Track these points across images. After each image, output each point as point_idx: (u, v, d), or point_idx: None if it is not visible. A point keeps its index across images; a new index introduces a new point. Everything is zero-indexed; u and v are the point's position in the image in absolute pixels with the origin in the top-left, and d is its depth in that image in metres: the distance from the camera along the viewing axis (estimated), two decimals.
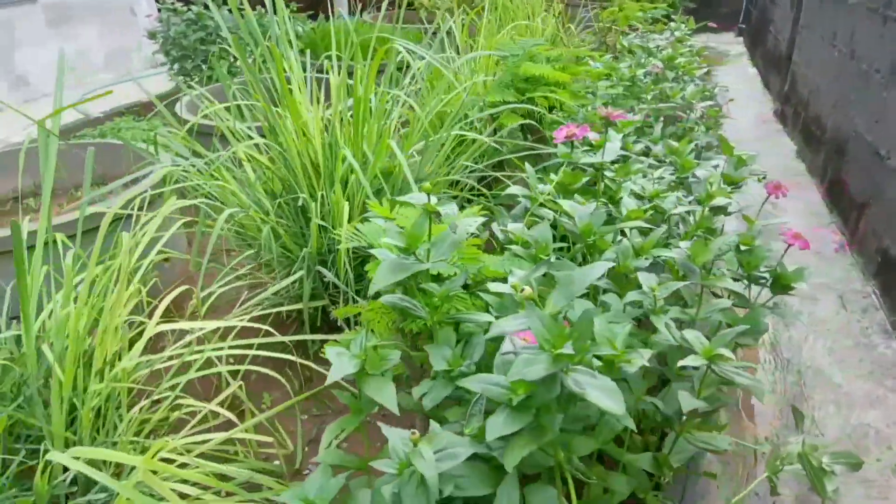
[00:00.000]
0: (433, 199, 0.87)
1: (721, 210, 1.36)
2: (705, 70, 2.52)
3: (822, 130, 3.03)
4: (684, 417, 1.00)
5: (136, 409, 1.18)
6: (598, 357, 0.81)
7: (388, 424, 0.82)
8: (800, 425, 1.14)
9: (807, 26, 3.57)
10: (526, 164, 1.40)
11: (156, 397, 1.24)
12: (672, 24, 3.24)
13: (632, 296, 0.98)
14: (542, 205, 1.28)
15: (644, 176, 1.57)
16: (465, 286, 1.07)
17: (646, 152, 1.98)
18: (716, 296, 1.31)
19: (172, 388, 1.23)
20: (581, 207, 1.04)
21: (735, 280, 1.23)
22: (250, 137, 1.78)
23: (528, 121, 1.77)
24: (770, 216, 2.77)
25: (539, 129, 1.83)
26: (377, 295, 0.94)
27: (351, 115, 1.67)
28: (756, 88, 4.67)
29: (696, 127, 2.22)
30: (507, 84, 1.77)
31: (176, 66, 3.70)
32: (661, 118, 2.17)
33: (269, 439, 1.25)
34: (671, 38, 2.87)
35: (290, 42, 1.78)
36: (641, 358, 0.83)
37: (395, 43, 1.56)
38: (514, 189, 1.30)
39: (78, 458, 0.89)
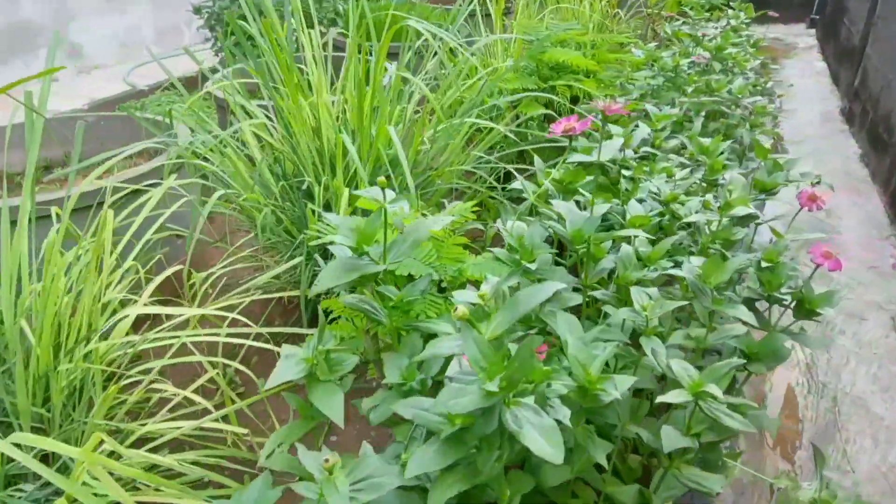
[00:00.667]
0: (389, 194, 0.78)
1: (748, 219, 1.22)
2: (758, 62, 2.32)
3: (890, 132, 2.77)
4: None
5: (110, 390, 1.15)
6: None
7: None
8: (820, 467, 1.01)
9: (884, 17, 3.28)
10: (535, 157, 1.29)
11: (133, 380, 1.21)
12: (730, 11, 3.02)
13: (623, 313, 0.88)
14: (546, 202, 1.17)
15: (670, 176, 1.43)
16: (442, 289, 0.99)
17: (678, 149, 1.84)
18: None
19: (146, 371, 1.20)
20: (575, 210, 0.94)
21: (754, 300, 1.10)
22: (267, 117, 1.73)
23: (549, 111, 1.65)
24: (822, 226, 2.56)
25: None
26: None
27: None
28: (824, 84, 4.35)
29: (740, 124, 2.04)
30: (530, 71, 1.65)
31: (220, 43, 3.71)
32: (703, 113, 2.01)
33: (245, 430, 1.21)
34: (726, 27, 2.66)
35: (307, 17, 1.72)
36: (614, 389, 0.73)
37: (409, 21, 1.47)
38: (518, 184, 1.20)
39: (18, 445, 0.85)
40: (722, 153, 1.43)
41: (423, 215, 1.22)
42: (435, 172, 1.57)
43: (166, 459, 1.04)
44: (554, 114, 1.59)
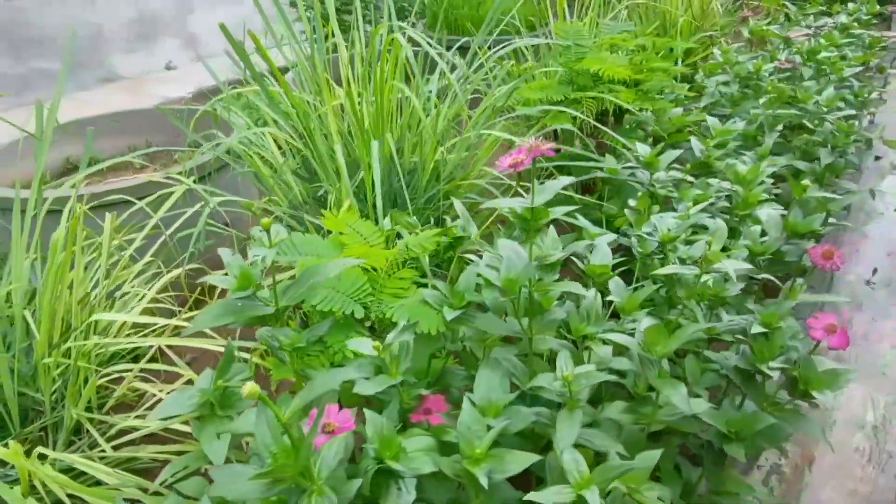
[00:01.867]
0: (278, 230, 0.73)
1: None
2: (860, 69, 1.98)
3: None
4: None
5: (89, 385, 1.21)
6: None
7: None
8: None
9: None
10: (456, 203, 1.17)
11: (117, 376, 1.27)
12: (851, 5, 2.63)
13: (544, 380, 0.77)
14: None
15: (694, 205, 1.26)
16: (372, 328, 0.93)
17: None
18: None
19: (125, 371, 1.25)
20: (516, 255, 0.83)
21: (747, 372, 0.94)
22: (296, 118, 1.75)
23: (584, 123, 1.50)
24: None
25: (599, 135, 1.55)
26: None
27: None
28: None
29: (827, 141, 1.77)
30: (565, 80, 1.51)
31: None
32: (779, 127, 1.76)
33: None
34: (835, 25, 2.32)
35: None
36: (486, 476, 0.65)
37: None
38: (493, 203, 1.10)
39: None
40: (762, 183, 1.23)
41: (399, 236, 1.17)
42: (449, 185, 1.50)
43: (117, 453, 1.08)
44: (598, 127, 1.45)
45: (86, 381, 1.26)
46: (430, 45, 1.55)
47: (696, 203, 1.36)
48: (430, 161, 1.52)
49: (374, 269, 0.96)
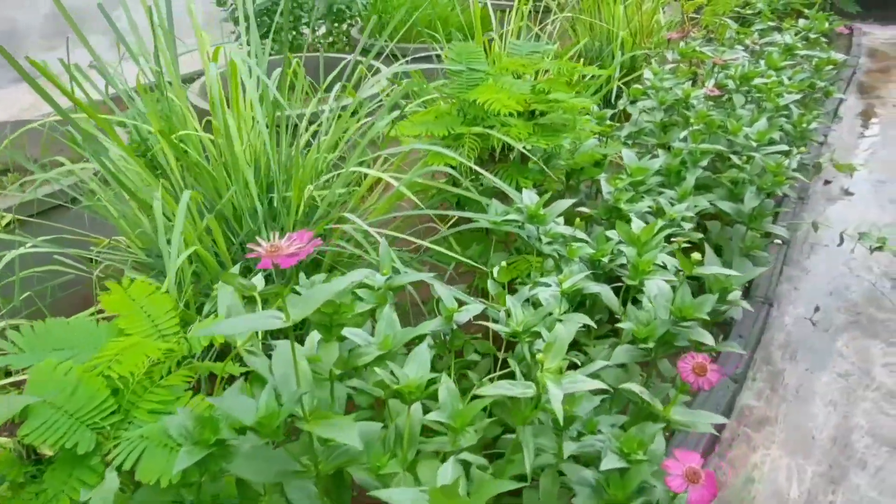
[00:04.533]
0: None
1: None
2: (798, 95, 1.80)
3: None
4: None
5: None
6: None
7: None
8: None
9: None
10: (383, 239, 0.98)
11: None
12: (803, 21, 2.47)
13: None
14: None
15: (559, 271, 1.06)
16: None
17: (653, 211, 1.44)
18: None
19: None
20: (287, 371, 0.63)
21: None
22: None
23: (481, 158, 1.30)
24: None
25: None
26: None
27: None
28: None
29: (752, 182, 1.59)
30: (453, 114, 1.30)
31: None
32: (703, 163, 1.58)
33: None
34: (783, 44, 2.14)
35: None
36: None
37: None
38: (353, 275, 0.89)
39: None
40: (656, 247, 1.04)
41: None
42: (317, 229, 1.29)
43: None
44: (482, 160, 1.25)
45: None
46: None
47: (595, 260, 1.17)
48: (295, 200, 1.30)
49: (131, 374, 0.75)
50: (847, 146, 3.13)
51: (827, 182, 2.81)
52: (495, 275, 1.00)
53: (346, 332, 0.83)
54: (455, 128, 1.27)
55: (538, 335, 0.85)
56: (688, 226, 1.42)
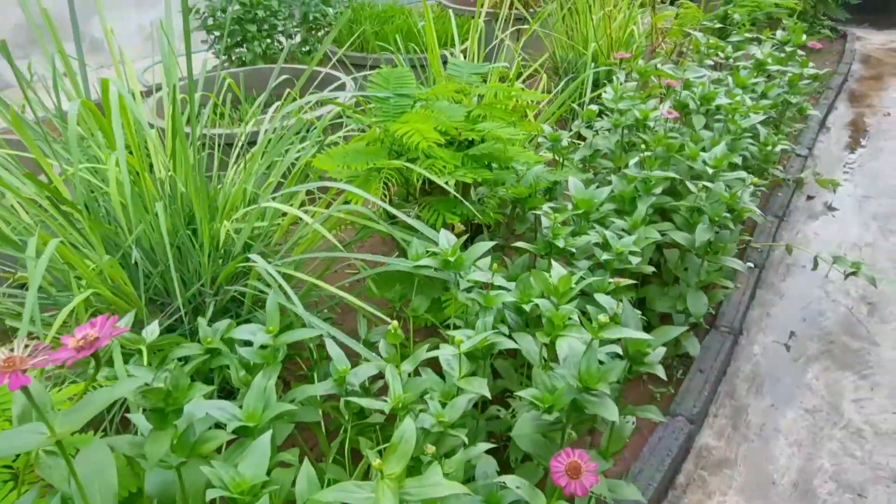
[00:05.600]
0: None
1: None
2: (762, 116, 1.70)
3: None
4: None
5: None
6: None
7: None
8: None
9: None
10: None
11: None
12: (780, 33, 2.37)
13: None
14: None
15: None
16: None
17: (601, 244, 1.35)
18: None
19: None
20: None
21: None
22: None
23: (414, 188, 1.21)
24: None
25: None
26: None
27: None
28: None
29: (705, 213, 1.49)
30: (379, 144, 1.21)
31: (217, 45, 3.49)
32: (657, 191, 1.49)
33: None
34: (753, 60, 2.04)
35: None
36: None
37: None
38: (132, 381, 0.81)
39: None
40: (573, 299, 0.94)
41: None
42: (228, 268, 1.21)
43: None
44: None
45: None
46: None
47: (519, 306, 1.08)
48: (204, 237, 1.22)
49: None
50: (834, 158, 3.02)
51: (810, 197, 2.70)
52: (394, 330, 0.90)
53: (207, 405, 0.74)
54: (376, 161, 1.18)
55: (424, 410, 0.76)
56: (636, 260, 1.32)
